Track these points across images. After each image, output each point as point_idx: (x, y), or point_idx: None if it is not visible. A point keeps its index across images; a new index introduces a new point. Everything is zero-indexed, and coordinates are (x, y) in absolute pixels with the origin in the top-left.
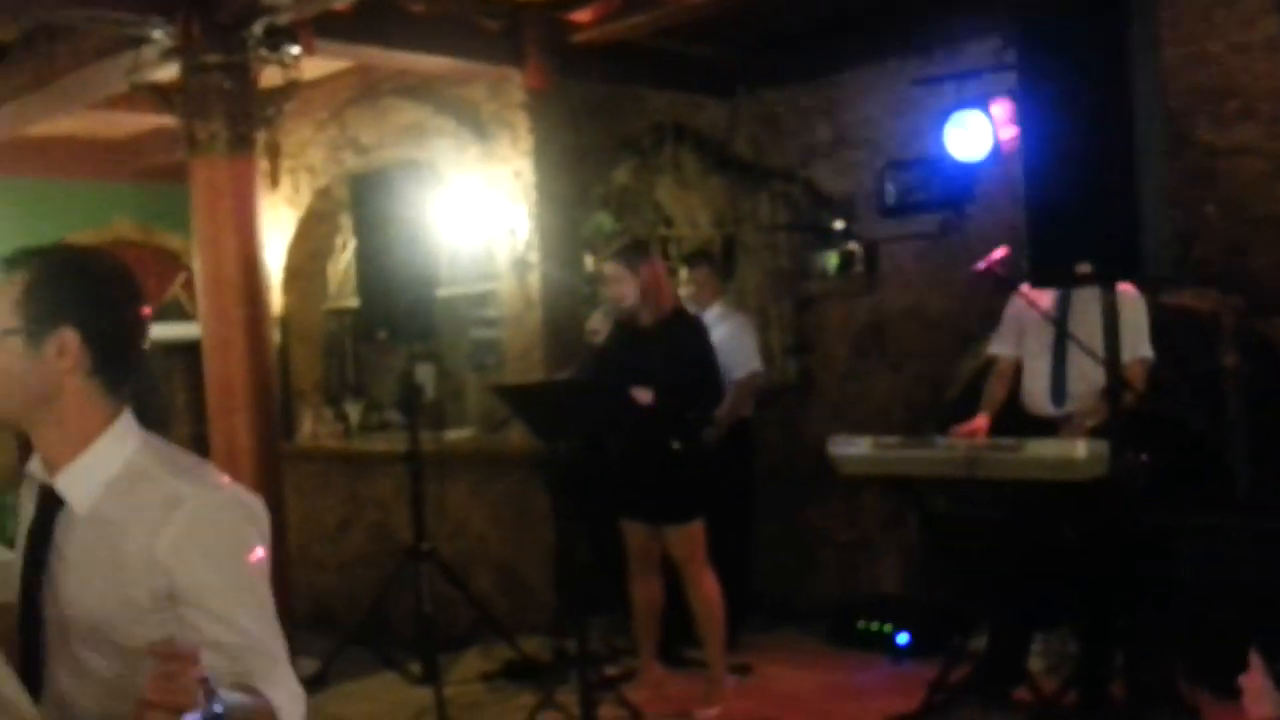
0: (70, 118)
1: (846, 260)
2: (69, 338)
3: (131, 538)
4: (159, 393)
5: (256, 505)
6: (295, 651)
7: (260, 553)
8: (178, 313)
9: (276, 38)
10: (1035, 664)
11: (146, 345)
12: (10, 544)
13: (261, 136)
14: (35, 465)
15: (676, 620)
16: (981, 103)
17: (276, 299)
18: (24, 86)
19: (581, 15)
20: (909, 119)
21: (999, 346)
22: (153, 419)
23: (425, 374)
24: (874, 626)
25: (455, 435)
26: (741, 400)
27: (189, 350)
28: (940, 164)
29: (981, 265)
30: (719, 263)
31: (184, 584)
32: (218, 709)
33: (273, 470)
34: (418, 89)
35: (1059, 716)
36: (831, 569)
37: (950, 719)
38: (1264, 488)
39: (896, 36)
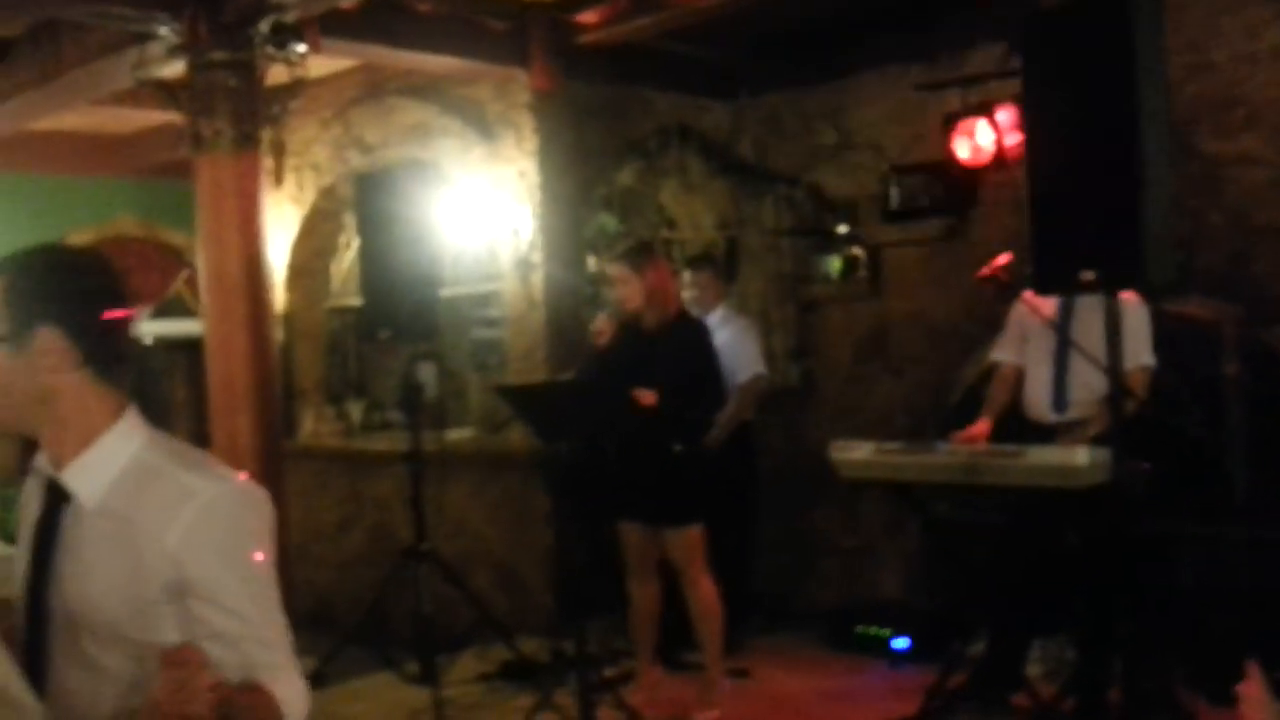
0: (75, 114)
1: (850, 264)
2: (50, 335)
3: (142, 531)
4: (160, 389)
5: (264, 498)
6: (293, 650)
7: (269, 546)
8: (180, 310)
9: (282, 35)
10: (1033, 670)
11: (135, 334)
12: (11, 539)
13: (266, 134)
14: (41, 461)
15: (675, 623)
16: (986, 109)
17: (279, 297)
18: (29, 82)
19: (587, 17)
20: (913, 124)
21: (1001, 353)
22: (154, 416)
23: (427, 374)
24: (873, 631)
25: (456, 435)
26: (744, 404)
27: (191, 347)
28: (944, 169)
29: (985, 271)
30: (722, 266)
31: (194, 576)
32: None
33: (274, 468)
34: (423, 88)
35: None
36: (832, 573)
37: None
38: (1264, 496)
39: (902, 41)
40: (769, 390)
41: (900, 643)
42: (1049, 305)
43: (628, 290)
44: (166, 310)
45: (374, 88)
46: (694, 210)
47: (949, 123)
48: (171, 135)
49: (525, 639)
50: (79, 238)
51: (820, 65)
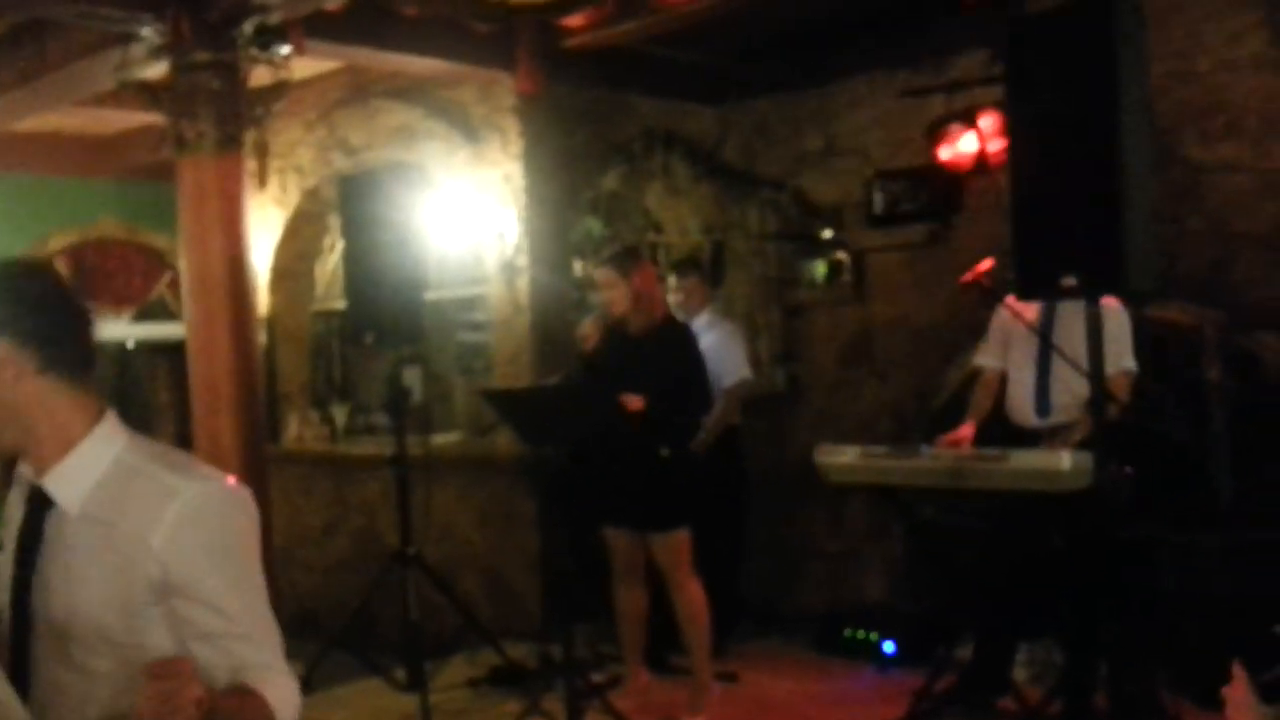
0: (57, 114)
1: (835, 269)
2: (1, 347)
3: (126, 533)
4: (142, 392)
5: (248, 497)
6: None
7: (253, 544)
8: (163, 312)
9: (267, 37)
10: (1019, 673)
11: (96, 338)
12: None
13: (250, 136)
14: (24, 469)
15: (662, 627)
16: (970, 114)
17: (263, 300)
18: (11, 83)
19: (573, 20)
20: (898, 129)
21: (984, 358)
22: (135, 419)
23: (412, 377)
24: (860, 635)
25: (442, 439)
26: (729, 408)
27: (174, 350)
28: (928, 174)
29: (968, 277)
30: (707, 270)
31: (179, 576)
32: None
33: (257, 472)
34: (408, 91)
35: None
36: (818, 577)
37: None
38: (1246, 500)
39: (887, 47)
40: (755, 394)
41: (888, 646)
42: (1031, 310)
43: (614, 294)
44: (149, 313)
45: (359, 90)
46: (680, 214)
47: (934, 128)
48: (154, 136)
49: (513, 644)
50: (61, 239)
51: (806, 70)
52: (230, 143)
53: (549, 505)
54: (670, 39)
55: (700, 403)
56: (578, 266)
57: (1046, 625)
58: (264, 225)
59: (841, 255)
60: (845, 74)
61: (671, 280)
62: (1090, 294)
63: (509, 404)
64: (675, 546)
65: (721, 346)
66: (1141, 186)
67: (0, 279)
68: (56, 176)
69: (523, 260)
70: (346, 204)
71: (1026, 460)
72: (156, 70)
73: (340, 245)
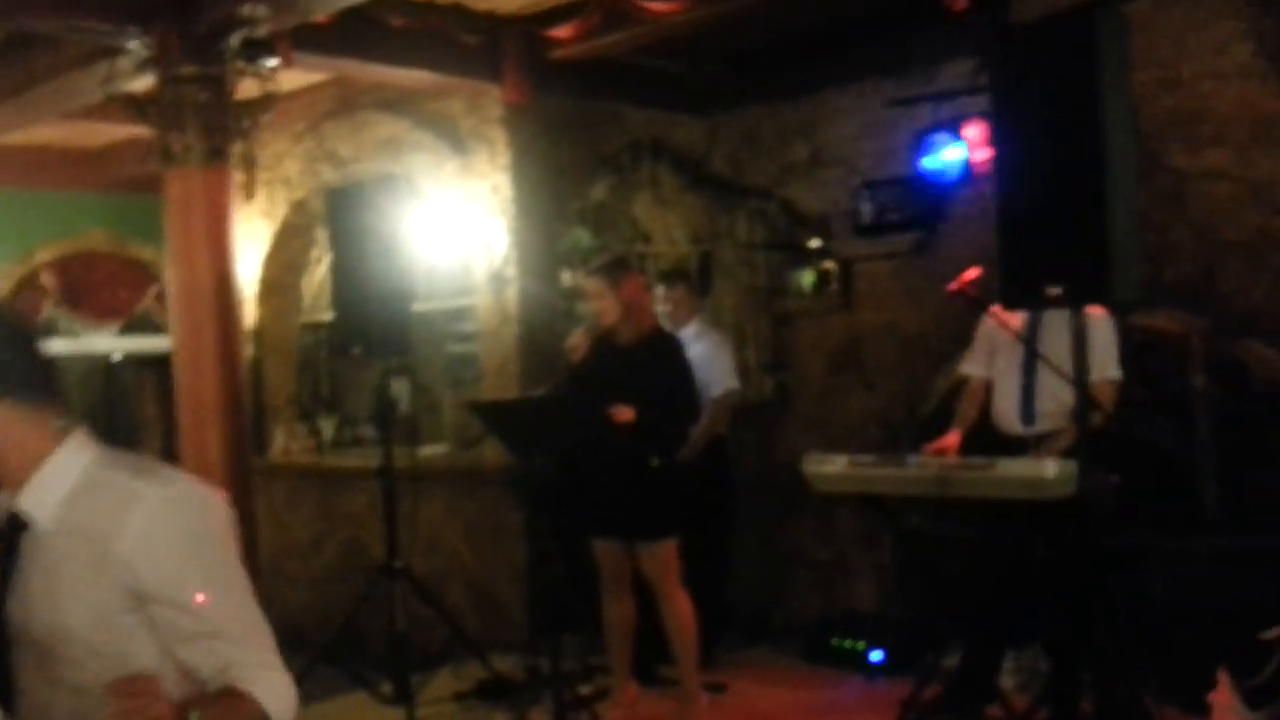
0: (44, 127)
1: (822, 278)
2: None
3: (94, 542)
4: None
5: (215, 498)
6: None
7: (228, 544)
8: (149, 325)
9: (254, 50)
10: (1007, 681)
11: (43, 353)
12: None
13: (237, 148)
14: (3, 494)
15: (650, 638)
16: (956, 124)
17: (251, 312)
18: None
19: (560, 31)
20: (884, 139)
21: (970, 366)
22: (122, 432)
23: (400, 389)
24: (848, 644)
25: (430, 451)
26: (718, 418)
27: (161, 363)
28: (915, 184)
29: (954, 286)
30: (695, 280)
31: (150, 581)
32: None
33: (244, 485)
34: (396, 103)
35: None
36: (807, 586)
37: None
38: (1232, 507)
39: (873, 57)
40: (743, 404)
41: (876, 655)
42: (1017, 319)
43: (603, 304)
44: (136, 326)
45: (346, 102)
46: (667, 224)
47: (920, 138)
48: (142, 149)
49: (500, 656)
50: (48, 252)
51: (793, 81)
52: (217, 155)
53: (536, 516)
54: (657, 50)
55: (689, 413)
56: (566, 277)
57: (1033, 633)
58: (251, 237)
59: (829, 264)
60: (832, 84)
61: (659, 290)
62: (1075, 303)
63: (496, 416)
64: (663, 556)
65: (709, 356)
66: (1125, 195)
67: None
68: (43, 189)
69: (511, 271)
70: (334, 216)
71: (1012, 468)
72: (143, 83)
73: (328, 257)
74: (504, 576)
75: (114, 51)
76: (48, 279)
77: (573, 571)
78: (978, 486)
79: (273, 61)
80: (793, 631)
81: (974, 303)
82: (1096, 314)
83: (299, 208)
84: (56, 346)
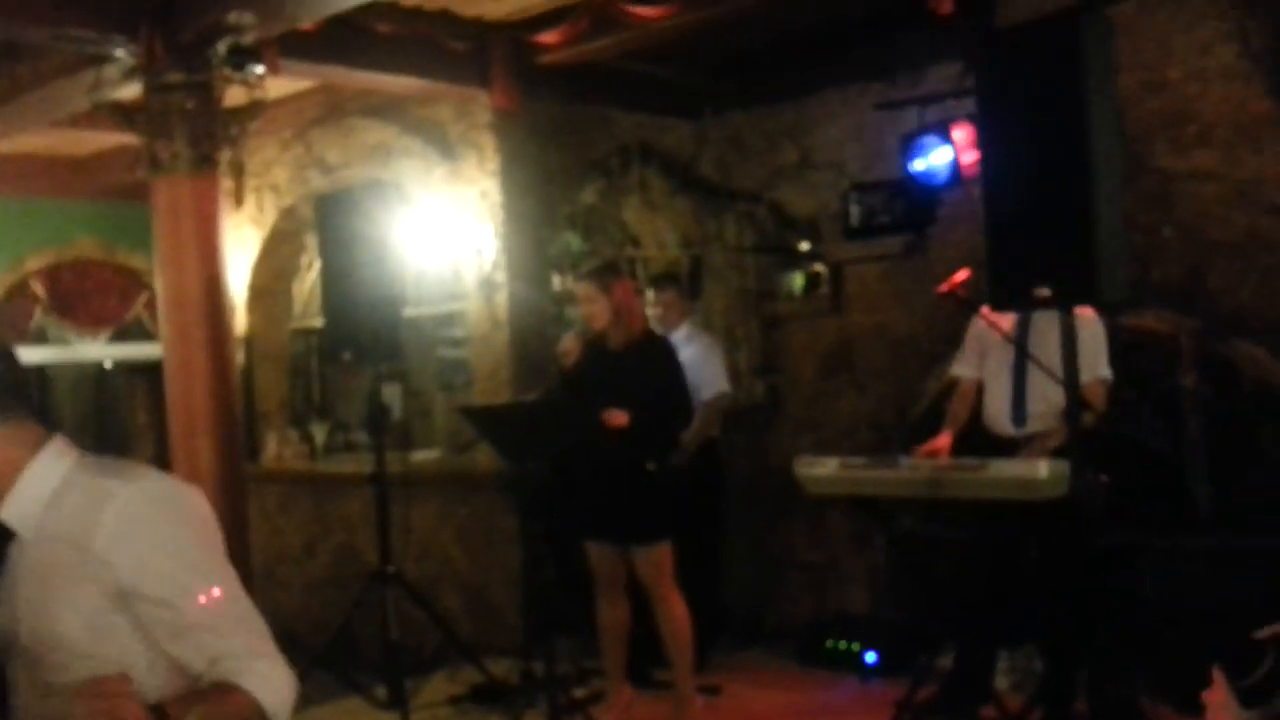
0: (32, 135)
1: (812, 281)
2: None
3: (73, 545)
4: (120, 413)
5: (190, 492)
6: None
7: (207, 536)
8: (140, 333)
9: (241, 57)
10: (1001, 682)
11: (14, 365)
12: None
13: (225, 156)
14: None
15: (644, 641)
16: (943, 127)
17: (241, 319)
18: None
19: (548, 37)
20: (872, 142)
21: (961, 368)
22: (113, 440)
23: (392, 394)
24: (842, 646)
25: (422, 456)
26: (709, 421)
27: (152, 371)
28: (904, 186)
29: (944, 287)
30: (686, 284)
31: (128, 578)
32: None
33: (236, 492)
34: (384, 109)
35: None
36: (799, 589)
37: None
38: (1223, 507)
39: (861, 61)
40: (734, 407)
41: (870, 657)
42: (1007, 320)
43: (594, 309)
44: (127, 334)
45: (334, 108)
46: (657, 228)
47: (908, 141)
48: (130, 156)
49: (494, 661)
50: (38, 260)
51: (781, 84)
52: (205, 162)
53: (529, 521)
54: (645, 54)
55: (682, 415)
56: (556, 281)
57: (1026, 633)
58: (241, 244)
59: (819, 267)
60: (820, 88)
61: (650, 294)
62: (1064, 304)
63: (488, 421)
64: (657, 560)
65: (700, 359)
66: (1112, 196)
67: None
68: (32, 197)
69: (501, 276)
70: (323, 222)
71: (1004, 469)
72: (130, 91)
73: (318, 263)
74: (498, 581)
75: (100, 59)
76: (38, 287)
77: (566, 575)
78: (970, 488)
79: (260, 69)
80: (785, 634)
81: (964, 304)
82: (1086, 314)
83: (288, 214)
84: (47, 355)
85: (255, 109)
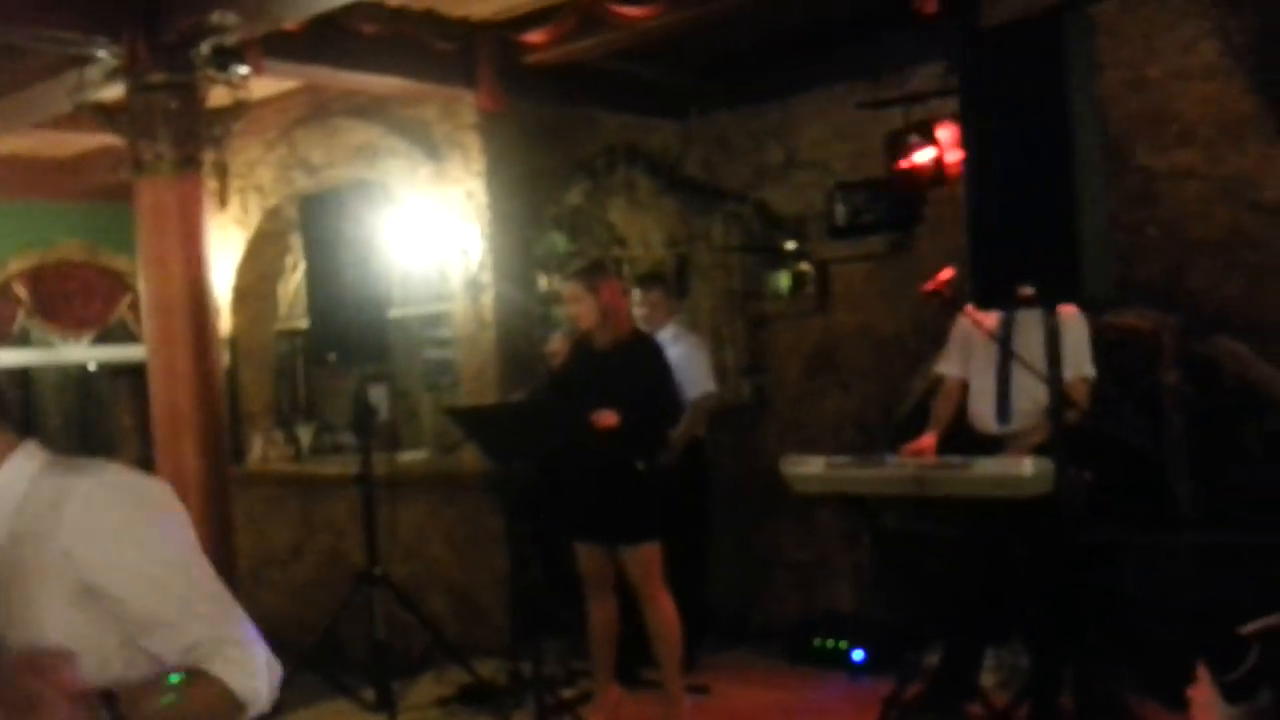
0: (14, 137)
1: (798, 281)
2: None
3: (37, 544)
4: (104, 415)
5: (152, 483)
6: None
7: (172, 526)
8: (124, 335)
9: (224, 57)
10: (987, 679)
11: None
12: None
13: (209, 156)
14: None
15: (633, 641)
16: (928, 126)
17: (225, 320)
18: None
19: (534, 37)
20: (858, 141)
21: (945, 366)
22: (98, 442)
23: (378, 395)
24: (830, 644)
25: (409, 457)
26: (695, 420)
27: (136, 373)
28: (889, 186)
29: (929, 286)
30: (672, 283)
31: (91, 572)
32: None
33: (222, 494)
34: (369, 109)
35: None
36: (786, 588)
37: None
38: (1206, 503)
39: (846, 60)
40: (720, 407)
41: (857, 655)
42: (991, 318)
43: (581, 309)
44: (110, 335)
45: (319, 108)
46: (643, 228)
47: (892, 140)
48: (113, 157)
49: (482, 661)
50: (21, 262)
51: (766, 84)
52: (189, 163)
53: (516, 521)
54: (631, 54)
55: (670, 415)
56: (542, 282)
57: (1013, 630)
58: (225, 245)
59: (805, 266)
60: (805, 87)
61: (636, 294)
62: (1047, 302)
63: (474, 422)
64: (646, 559)
65: (686, 359)
66: (1095, 195)
67: None
68: (15, 199)
69: (487, 276)
70: (308, 223)
71: (989, 467)
72: (113, 92)
73: (302, 264)
74: (484, 582)
75: (83, 60)
76: (21, 289)
77: (552, 575)
78: (955, 486)
79: (243, 69)
80: (773, 633)
81: (949, 303)
82: (1069, 313)
83: (273, 215)
84: (30, 357)
85: (239, 109)
